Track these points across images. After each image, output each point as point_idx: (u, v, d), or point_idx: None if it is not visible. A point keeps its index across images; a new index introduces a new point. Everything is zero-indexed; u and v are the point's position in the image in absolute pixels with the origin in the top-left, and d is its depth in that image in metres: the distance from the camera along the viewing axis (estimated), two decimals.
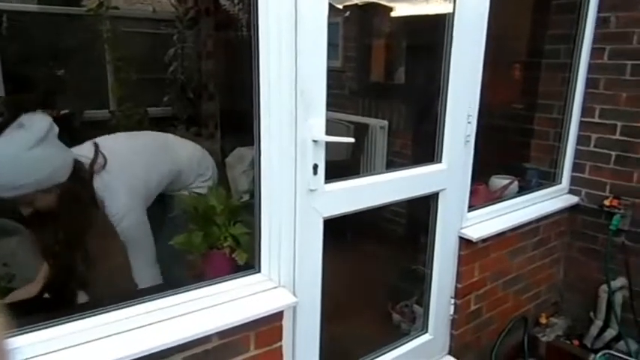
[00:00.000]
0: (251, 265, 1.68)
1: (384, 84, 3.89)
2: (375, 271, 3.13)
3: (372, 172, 3.65)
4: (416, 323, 2.49)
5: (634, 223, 2.63)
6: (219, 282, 1.59)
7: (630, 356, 2.59)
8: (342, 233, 3.06)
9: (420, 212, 2.29)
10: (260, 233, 1.63)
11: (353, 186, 1.81)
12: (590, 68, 2.70)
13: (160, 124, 5.09)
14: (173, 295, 1.51)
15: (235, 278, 1.62)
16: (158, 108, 5.32)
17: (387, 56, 3.87)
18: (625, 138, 2.62)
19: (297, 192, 1.63)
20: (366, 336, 2.51)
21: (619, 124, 2.63)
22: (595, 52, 2.67)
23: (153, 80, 5.30)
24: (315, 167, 1.63)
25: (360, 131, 3.62)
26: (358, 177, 1.85)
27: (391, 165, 3.73)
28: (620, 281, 2.69)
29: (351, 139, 1.67)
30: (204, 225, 1.66)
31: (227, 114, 4.68)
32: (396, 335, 2.44)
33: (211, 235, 1.66)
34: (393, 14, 3.73)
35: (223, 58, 5.03)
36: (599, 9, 2.61)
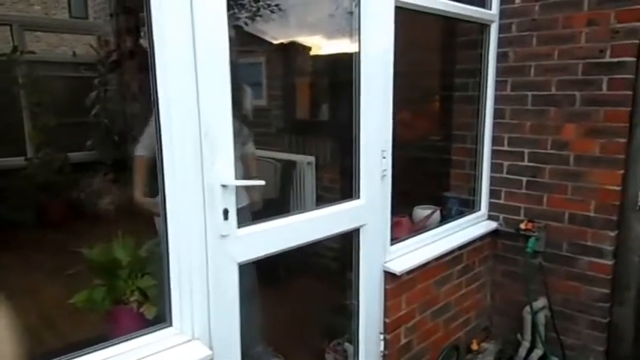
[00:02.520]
0: (162, 319, 1.59)
1: (309, 121, 3.94)
2: (309, 309, 3.06)
3: (302, 208, 3.63)
4: None
5: (548, 244, 2.75)
6: (125, 340, 1.49)
7: None
8: (274, 272, 2.99)
9: (351, 247, 2.28)
10: (169, 284, 1.55)
11: (268, 228, 1.77)
12: (497, 99, 2.85)
13: (83, 170, 4.90)
14: (73, 358, 1.39)
15: (143, 335, 1.53)
16: (81, 153, 5.14)
17: (310, 94, 3.94)
18: (532, 164, 2.76)
19: (207, 239, 1.57)
20: None
21: (526, 151, 2.78)
22: (499, 85, 2.83)
23: (74, 124, 5.12)
24: (226, 212, 1.58)
25: (288, 168, 3.61)
26: (273, 219, 1.81)
27: (321, 200, 3.73)
28: (541, 301, 2.77)
29: (262, 182, 1.64)
30: (108, 279, 1.56)
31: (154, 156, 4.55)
32: None
33: (116, 289, 1.55)
34: (314, 53, 3.82)
35: (149, 101, 4.93)
36: (499, 45, 2.79)
